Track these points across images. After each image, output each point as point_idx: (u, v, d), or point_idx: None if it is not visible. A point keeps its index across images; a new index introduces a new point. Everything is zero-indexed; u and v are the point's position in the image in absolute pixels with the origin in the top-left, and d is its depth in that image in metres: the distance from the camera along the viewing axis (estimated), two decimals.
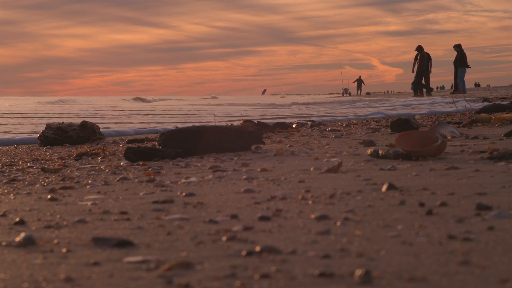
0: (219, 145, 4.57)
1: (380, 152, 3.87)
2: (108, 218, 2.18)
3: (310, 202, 2.38)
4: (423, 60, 25.22)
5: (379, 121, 8.49)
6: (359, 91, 57.06)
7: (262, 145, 5.02)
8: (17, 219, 2.15)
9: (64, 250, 1.71)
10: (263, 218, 2.06)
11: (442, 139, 3.73)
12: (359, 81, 56.73)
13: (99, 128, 6.85)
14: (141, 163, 4.10)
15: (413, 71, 25.51)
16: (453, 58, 26.41)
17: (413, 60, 25.66)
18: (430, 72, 25.59)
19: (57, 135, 6.31)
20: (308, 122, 8.65)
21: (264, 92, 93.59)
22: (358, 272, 1.35)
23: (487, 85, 25.74)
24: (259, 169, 3.55)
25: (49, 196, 2.73)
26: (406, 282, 1.31)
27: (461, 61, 25.39)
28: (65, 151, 5.78)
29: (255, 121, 7.76)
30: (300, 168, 3.55)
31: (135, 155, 4.26)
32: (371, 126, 7.31)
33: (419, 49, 25.30)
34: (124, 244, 1.74)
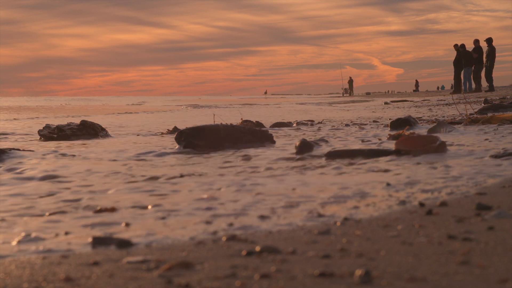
0: (235, 142, 4.74)
1: None
2: None
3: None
4: (493, 54, 24.40)
5: (378, 120, 8.48)
6: (351, 91, 61.50)
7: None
8: None
9: (64, 250, 1.71)
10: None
11: (441, 140, 3.76)
12: (351, 82, 61.28)
13: (101, 127, 6.83)
14: None
15: (485, 64, 24.53)
16: (453, 58, 26.37)
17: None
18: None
19: (53, 133, 6.33)
20: (308, 122, 8.67)
21: (265, 92, 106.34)
22: (358, 272, 1.35)
23: (486, 85, 25.64)
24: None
25: None
26: (406, 282, 1.31)
27: (465, 61, 25.19)
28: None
29: (255, 121, 7.78)
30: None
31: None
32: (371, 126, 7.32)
33: (490, 41, 24.48)
34: (124, 244, 1.74)
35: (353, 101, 29.08)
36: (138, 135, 6.79)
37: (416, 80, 71.40)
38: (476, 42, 25.21)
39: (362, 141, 5.00)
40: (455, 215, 2.00)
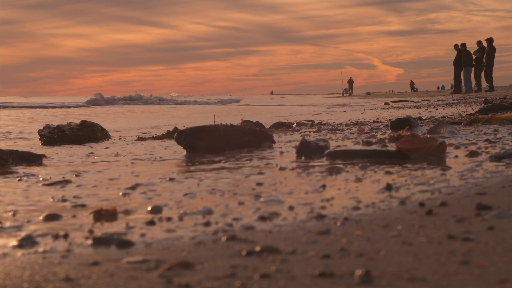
0: (235, 142, 4.75)
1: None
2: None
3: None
4: (493, 54, 24.20)
5: (378, 120, 8.48)
6: (350, 91, 62.67)
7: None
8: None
9: (64, 250, 1.71)
10: (263, 218, 2.06)
11: (441, 140, 3.77)
12: (350, 82, 62.49)
13: (101, 127, 6.80)
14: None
15: (484, 64, 24.32)
16: (453, 58, 26.38)
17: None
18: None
19: (53, 134, 6.31)
20: (308, 122, 8.66)
21: (272, 92, 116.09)
22: (358, 272, 1.35)
23: (486, 85, 25.76)
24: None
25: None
26: (406, 282, 1.31)
27: (466, 61, 25.13)
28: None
29: (255, 121, 7.79)
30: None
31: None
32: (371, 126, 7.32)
33: (490, 41, 24.28)
34: (124, 244, 1.74)
35: (352, 102, 29.10)
36: (140, 138, 6.78)
37: (412, 81, 71.92)
38: (480, 43, 25.22)
39: (362, 141, 5.00)
40: (455, 215, 1.99)
